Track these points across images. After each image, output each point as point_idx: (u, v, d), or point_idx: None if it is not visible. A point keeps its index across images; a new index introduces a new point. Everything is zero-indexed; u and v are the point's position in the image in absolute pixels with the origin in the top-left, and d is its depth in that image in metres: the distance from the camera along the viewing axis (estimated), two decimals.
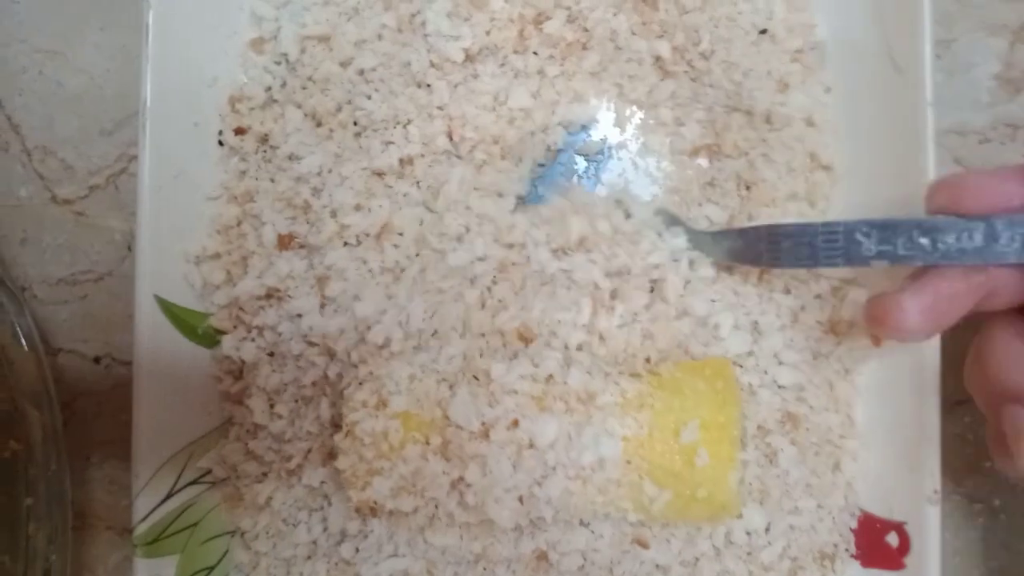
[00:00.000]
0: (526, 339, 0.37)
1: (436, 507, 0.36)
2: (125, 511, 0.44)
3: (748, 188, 0.41)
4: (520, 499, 0.35)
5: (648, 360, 0.37)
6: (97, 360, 0.45)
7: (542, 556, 0.37)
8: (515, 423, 0.35)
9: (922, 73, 0.37)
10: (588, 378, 0.36)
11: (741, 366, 0.39)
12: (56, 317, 0.45)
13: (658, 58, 0.41)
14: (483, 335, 0.38)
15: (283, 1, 0.42)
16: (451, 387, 0.37)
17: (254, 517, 0.40)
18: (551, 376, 0.36)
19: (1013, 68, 0.43)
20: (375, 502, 0.36)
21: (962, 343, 0.41)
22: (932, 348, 0.37)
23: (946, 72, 0.43)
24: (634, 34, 0.41)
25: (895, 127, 0.39)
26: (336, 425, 0.39)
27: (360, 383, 0.38)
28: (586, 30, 0.41)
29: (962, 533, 0.43)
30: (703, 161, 0.42)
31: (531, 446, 0.35)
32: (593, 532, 0.37)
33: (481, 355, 0.37)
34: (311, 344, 0.39)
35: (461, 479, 0.36)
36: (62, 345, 0.45)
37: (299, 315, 0.40)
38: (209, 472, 0.41)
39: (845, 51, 0.41)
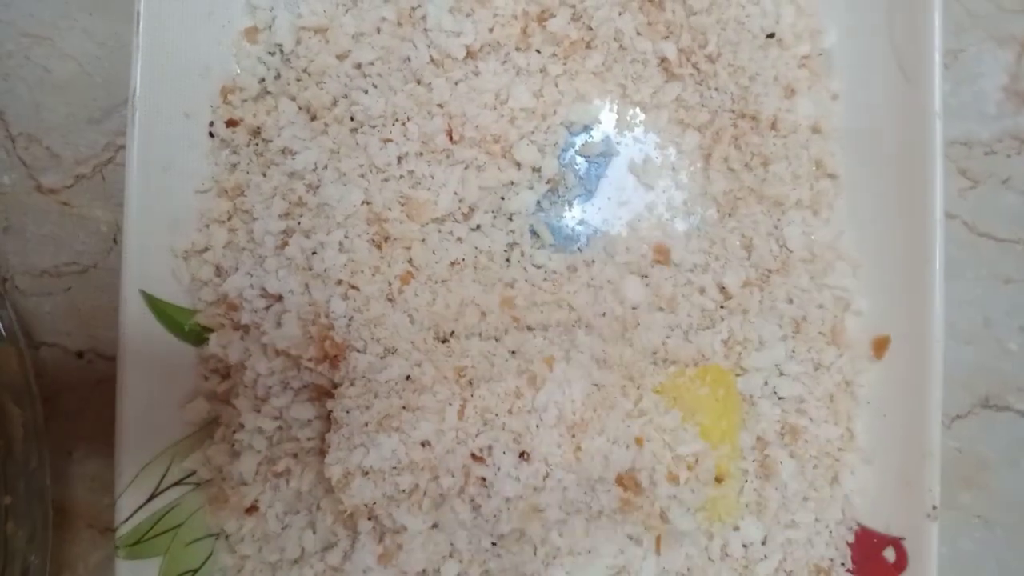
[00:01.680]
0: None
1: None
2: (107, 509, 0.43)
3: (752, 194, 0.40)
4: (520, 509, 0.35)
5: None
6: (80, 355, 0.44)
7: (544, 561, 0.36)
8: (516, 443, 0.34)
9: (932, 84, 0.37)
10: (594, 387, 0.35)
11: (740, 375, 0.38)
12: (39, 309, 0.44)
13: (663, 60, 0.40)
14: (487, 337, 0.37)
15: None
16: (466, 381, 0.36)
17: (240, 520, 0.39)
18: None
19: (1020, 80, 0.43)
20: (365, 505, 0.35)
21: (963, 357, 0.41)
22: (934, 362, 0.37)
23: (953, 82, 0.43)
24: (639, 34, 0.40)
25: (902, 137, 0.38)
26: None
27: (352, 383, 0.37)
28: (590, 29, 0.40)
29: (957, 546, 0.43)
30: (707, 165, 0.41)
31: (530, 456, 0.34)
32: (593, 538, 0.36)
33: (474, 365, 0.36)
34: (301, 345, 0.38)
35: (462, 488, 0.35)
36: (45, 338, 0.44)
37: (288, 313, 0.39)
38: (194, 473, 0.40)
39: (853, 58, 0.40)
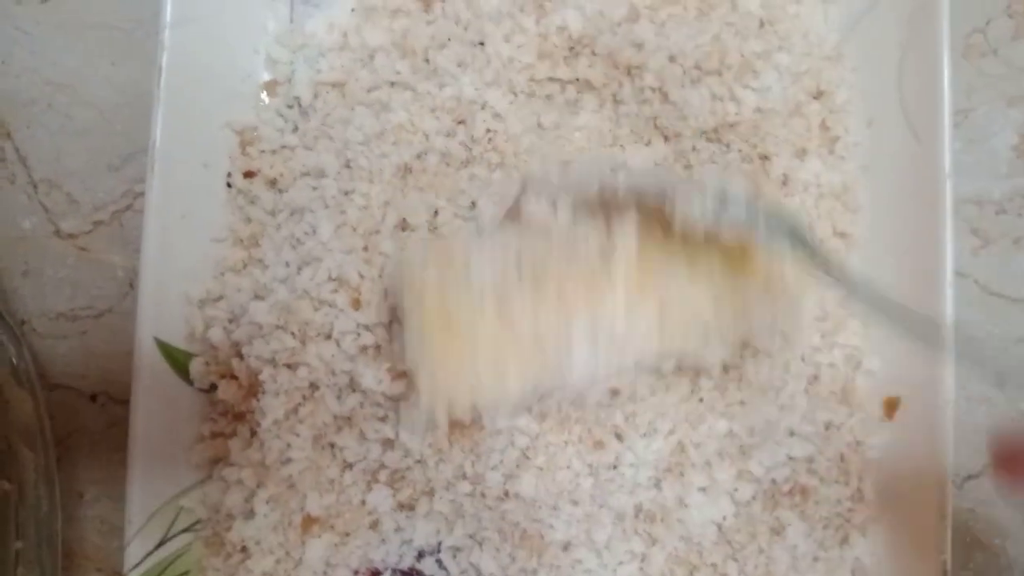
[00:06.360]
0: None
1: None
2: (115, 552, 0.43)
3: None
4: None
5: None
6: (94, 398, 0.44)
7: None
8: None
9: (941, 144, 0.37)
10: None
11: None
12: (54, 352, 0.44)
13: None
14: None
15: (299, 45, 0.42)
16: None
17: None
18: None
19: None
20: None
21: (975, 417, 0.41)
22: (945, 422, 0.37)
23: (964, 141, 0.43)
24: None
25: (913, 197, 0.39)
26: None
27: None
28: None
29: None
30: None
31: None
32: None
33: None
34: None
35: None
36: (59, 381, 0.44)
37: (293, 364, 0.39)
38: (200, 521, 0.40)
39: (863, 118, 0.41)
